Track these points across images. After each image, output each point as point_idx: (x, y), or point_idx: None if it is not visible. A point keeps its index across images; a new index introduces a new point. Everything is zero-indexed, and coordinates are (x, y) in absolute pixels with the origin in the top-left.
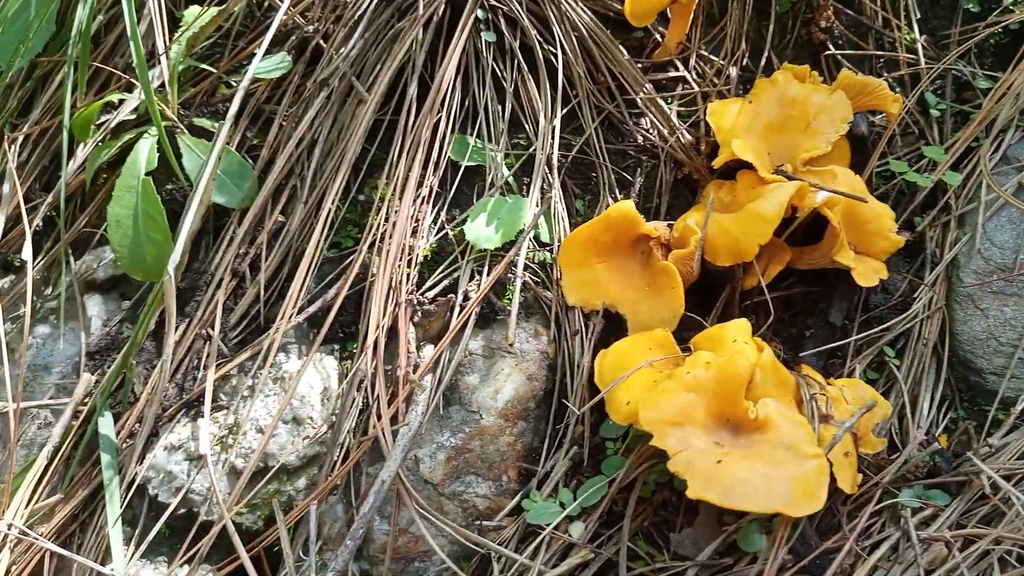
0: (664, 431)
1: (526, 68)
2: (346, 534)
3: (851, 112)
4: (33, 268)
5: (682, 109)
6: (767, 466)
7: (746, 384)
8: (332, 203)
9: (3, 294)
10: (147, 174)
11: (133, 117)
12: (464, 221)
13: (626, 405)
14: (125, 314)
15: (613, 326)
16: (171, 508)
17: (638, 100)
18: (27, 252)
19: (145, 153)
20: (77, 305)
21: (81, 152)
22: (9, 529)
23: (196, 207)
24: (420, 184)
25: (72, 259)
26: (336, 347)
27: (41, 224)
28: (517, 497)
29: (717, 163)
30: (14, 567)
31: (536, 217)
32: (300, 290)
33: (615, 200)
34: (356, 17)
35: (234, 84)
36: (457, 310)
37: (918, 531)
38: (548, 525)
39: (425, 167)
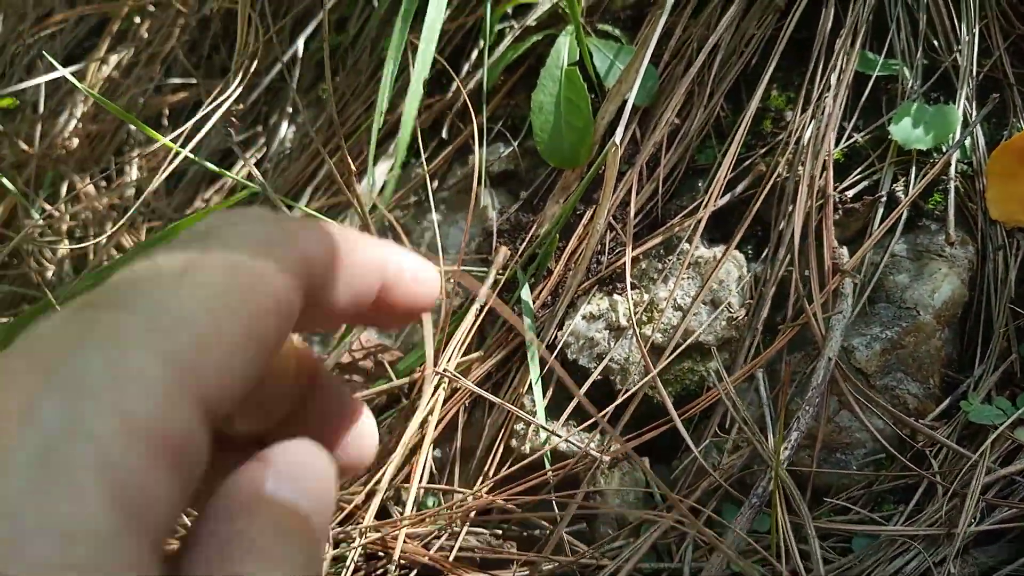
0: None
1: None
2: (756, 418)
3: None
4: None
5: None
6: None
7: None
8: (727, 110)
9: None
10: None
11: (534, 23)
12: (875, 130)
13: None
14: (521, 204)
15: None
16: (596, 372)
17: None
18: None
19: (566, 48)
20: (469, 196)
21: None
22: (444, 372)
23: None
24: (824, 94)
25: (478, 147)
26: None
27: (428, 123)
28: (947, 401)
29: None
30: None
31: (975, 122)
32: (720, 183)
33: None
34: None
35: None
36: (881, 210)
37: None
38: (999, 424)
39: (833, 80)
